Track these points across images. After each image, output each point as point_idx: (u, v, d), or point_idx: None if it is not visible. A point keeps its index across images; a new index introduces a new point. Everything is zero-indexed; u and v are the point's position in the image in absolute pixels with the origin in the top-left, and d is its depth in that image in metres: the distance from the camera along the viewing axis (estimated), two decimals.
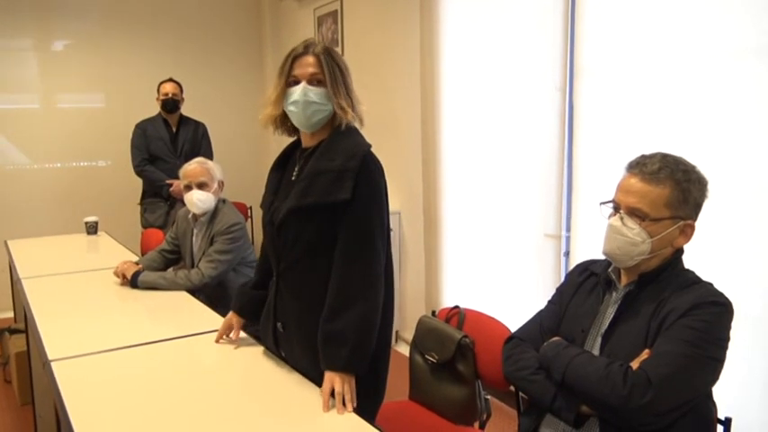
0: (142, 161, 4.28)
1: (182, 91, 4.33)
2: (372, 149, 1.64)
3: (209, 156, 4.20)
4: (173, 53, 5.15)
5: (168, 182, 4.19)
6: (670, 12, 2.30)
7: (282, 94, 1.63)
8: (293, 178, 1.69)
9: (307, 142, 1.70)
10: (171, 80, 4.31)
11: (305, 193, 1.58)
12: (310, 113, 1.60)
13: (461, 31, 3.35)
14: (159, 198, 4.28)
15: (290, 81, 1.62)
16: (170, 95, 4.25)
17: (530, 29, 2.91)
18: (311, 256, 1.61)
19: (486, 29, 3.19)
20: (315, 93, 1.59)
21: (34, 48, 4.74)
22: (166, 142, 4.30)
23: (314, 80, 1.59)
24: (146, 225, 4.31)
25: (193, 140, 4.37)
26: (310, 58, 1.60)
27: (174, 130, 4.35)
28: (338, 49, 4.39)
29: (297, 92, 1.59)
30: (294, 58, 1.62)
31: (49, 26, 4.78)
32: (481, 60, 3.24)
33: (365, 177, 1.56)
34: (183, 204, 4.13)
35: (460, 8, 3.33)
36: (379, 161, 1.64)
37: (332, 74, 1.59)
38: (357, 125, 1.67)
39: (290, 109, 1.62)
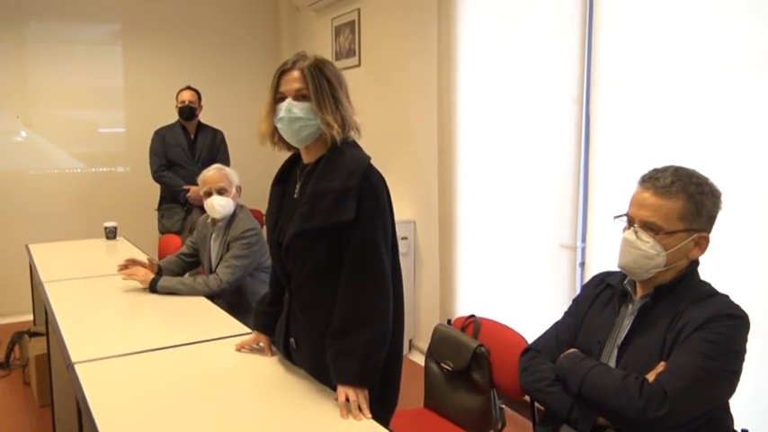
0: (160, 167, 4.34)
1: (200, 99, 4.40)
2: (374, 160, 1.61)
3: (226, 162, 4.25)
4: (192, 61, 5.23)
5: (185, 187, 4.25)
6: (687, 23, 2.31)
7: (272, 111, 1.63)
8: (295, 195, 1.68)
9: (305, 158, 1.69)
10: (189, 88, 4.38)
11: (308, 216, 1.57)
12: (297, 129, 1.59)
13: (478, 42, 3.37)
14: (176, 204, 4.34)
15: (277, 97, 1.62)
16: (187, 103, 4.31)
17: (547, 40, 2.93)
18: (320, 276, 1.62)
19: (503, 40, 3.21)
20: (299, 108, 1.57)
21: (56, 54, 4.82)
22: (184, 149, 4.37)
23: (299, 95, 1.58)
24: (163, 231, 4.37)
25: (211, 147, 4.43)
26: (296, 73, 1.58)
27: (193, 136, 4.42)
28: (355, 59, 4.43)
29: (283, 108, 1.59)
30: (281, 73, 1.61)
31: (70, 33, 4.87)
32: (498, 71, 3.26)
33: (367, 194, 1.55)
34: (201, 210, 4.18)
35: (478, 18, 3.36)
36: (379, 173, 1.62)
37: (318, 88, 1.56)
38: (355, 136, 1.65)
39: (278, 125, 1.62)
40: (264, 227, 4.85)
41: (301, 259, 1.62)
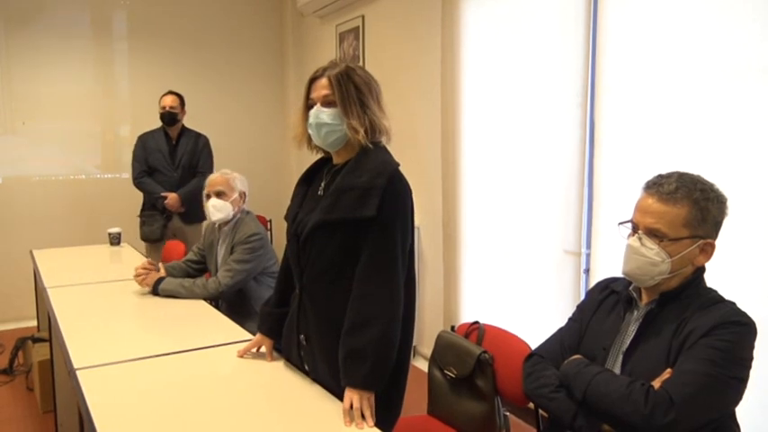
0: (140, 173, 4.25)
1: (183, 104, 4.27)
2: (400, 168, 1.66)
3: (209, 168, 4.18)
4: (196, 67, 5.25)
5: (163, 194, 4.15)
6: (692, 28, 2.31)
7: (304, 117, 1.70)
8: (320, 193, 1.72)
9: (336, 159, 1.74)
10: (170, 93, 4.25)
11: (331, 208, 1.61)
12: (324, 134, 1.65)
13: (482, 47, 3.37)
14: (156, 211, 4.22)
15: (308, 104, 1.69)
16: (167, 108, 4.19)
17: (551, 45, 2.93)
18: (334, 271, 1.64)
19: (507, 44, 3.21)
20: (327, 114, 1.63)
21: (58, 61, 4.84)
22: (165, 154, 4.25)
23: (326, 102, 1.64)
24: (143, 238, 4.25)
25: (192, 152, 4.29)
26: (324, 81, 1.65)
27: (174, 142, 4.30)
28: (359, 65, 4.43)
29: (312, 114, 1.66)
30: (311, 81, 1.69)
31: (74, 40, 4.89)
32: (502, 76, 3.26)
33: (391, 195, 1.58)
34: (180, 217, 4.20)
35: (482, 24, 3.36)
36: (406, 180, 1.66)
37: (344, 95, 1.62)
38: (384, 141, 1.70)
39: (309, 131, 1.69)
40: (268, 233, 4.86)
41: (317, 252, 1.65)
